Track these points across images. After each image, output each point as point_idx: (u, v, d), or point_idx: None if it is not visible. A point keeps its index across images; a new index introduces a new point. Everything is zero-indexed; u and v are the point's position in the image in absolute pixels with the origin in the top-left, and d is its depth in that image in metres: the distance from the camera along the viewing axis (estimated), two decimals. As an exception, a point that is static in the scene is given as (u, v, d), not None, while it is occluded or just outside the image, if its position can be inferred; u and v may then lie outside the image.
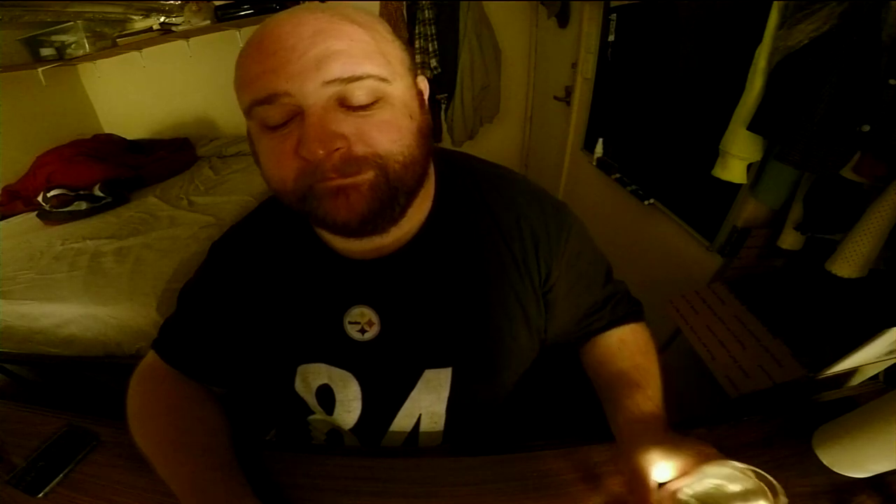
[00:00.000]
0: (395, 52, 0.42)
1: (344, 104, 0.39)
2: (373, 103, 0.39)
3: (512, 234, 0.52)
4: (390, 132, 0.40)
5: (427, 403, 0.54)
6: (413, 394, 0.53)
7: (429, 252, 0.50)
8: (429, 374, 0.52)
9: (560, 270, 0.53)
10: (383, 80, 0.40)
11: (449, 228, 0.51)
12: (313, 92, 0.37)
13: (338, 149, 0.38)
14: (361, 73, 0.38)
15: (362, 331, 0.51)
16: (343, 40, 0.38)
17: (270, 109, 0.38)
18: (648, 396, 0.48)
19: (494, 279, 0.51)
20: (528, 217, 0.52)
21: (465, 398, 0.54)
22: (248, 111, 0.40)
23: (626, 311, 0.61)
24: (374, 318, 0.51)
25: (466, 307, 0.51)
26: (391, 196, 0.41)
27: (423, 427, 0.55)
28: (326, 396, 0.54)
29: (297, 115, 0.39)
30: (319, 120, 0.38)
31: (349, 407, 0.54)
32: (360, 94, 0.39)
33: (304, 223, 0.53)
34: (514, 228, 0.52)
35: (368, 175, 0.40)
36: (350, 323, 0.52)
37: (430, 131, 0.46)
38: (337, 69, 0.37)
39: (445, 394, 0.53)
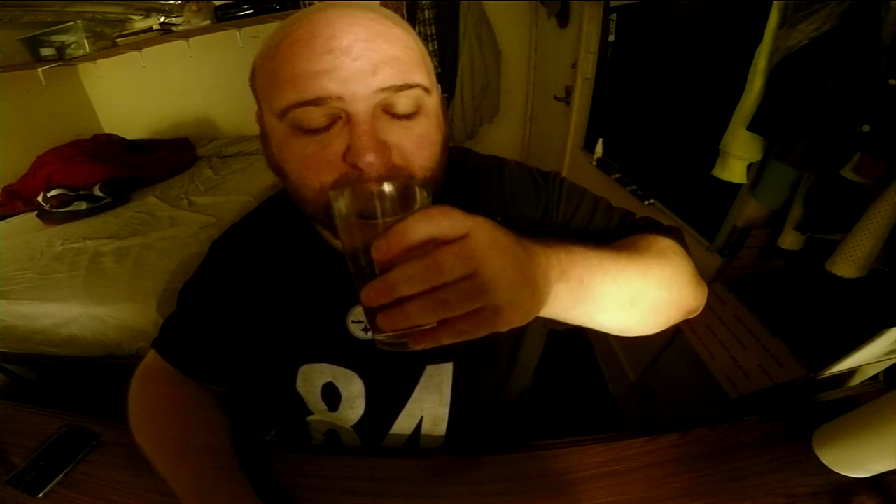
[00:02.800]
0: (429, 59, 0.42)
1: (388, 111, 0.38)
2: (413, 114, 0.39)
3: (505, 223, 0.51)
4: (425, 148, 0.41)
5: (430, 405, 0.54)
6: (415, 393, 0.53)
7: None
8: (430, 370, 0.52)
9: (561, 227, 0.52)
10: (426, 90, 0.40)
11: None
12: (365, 98, 0.36)
13: (386, 159, 0.38)
14: (412, 82, 0.38)
15: (366, 329, 0.51)
16: (398, 45, 0.38)
17: (314, 112, 0.37)
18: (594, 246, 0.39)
19: None
20: (516, 204, 0.51)
21: (468, 399, 0.54)
22: (284, 112, 0.38)
23: (647, 223, 0.54)
24: None
25: None
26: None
27: (425, 430, 0.55)
28: (331, 393, 0.54)
29: (339, 119, 0.37)
30: (371, 128, 0.37)
31: (353, 403, 0.54)
32: (405, 102, 0.38)
33: (306, 222, 0.53)
34: (504, 217, 0.51)
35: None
36: (353, 322, 0.51)
37: (448, 140, 0.46)
38: (391, 76, 0.37)
39: (447, 393, 0.53)
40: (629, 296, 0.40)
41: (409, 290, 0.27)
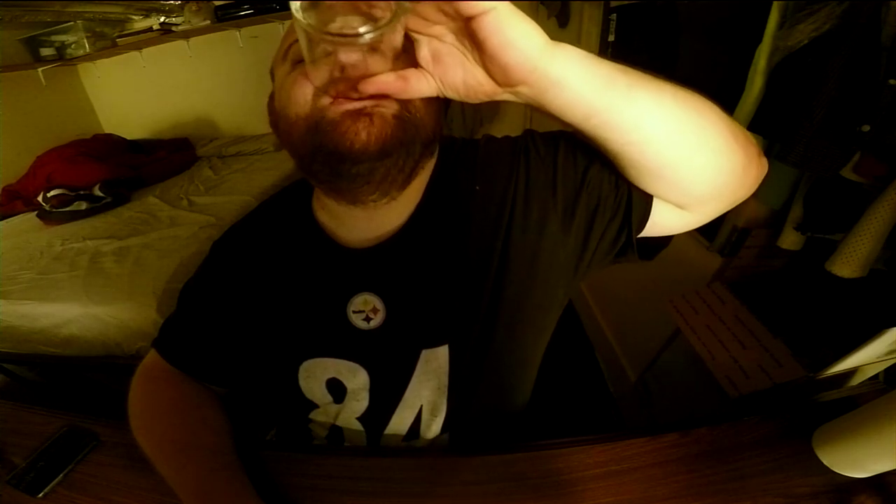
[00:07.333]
0: None
1: None
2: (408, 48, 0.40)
3: (502, 197, 0.50)
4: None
5: (428, 392, 0.53)
6: (414, 381, 0.53)
7: (425, 233, 0.51)
8: (427, 355, 0.52)
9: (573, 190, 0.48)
10: None
11: (441, 207, 0.51)
12: None
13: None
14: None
15: (367, 319, 0.51)
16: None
17: None
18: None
19: (490, 251, 0.50)
20: (511, 176, 0.50)
21: (466, 390, 0.54)
22: (286, 52, 0.42)
23: None
24: (379, 304, 0.51)
25: (465, 282, 0.51)
26: (412, 136, 0.40)
27: (424, 422, 0.55)
28: (336, 387, 0.54)
29: None
30: None
31: (359, 395, 0.54)
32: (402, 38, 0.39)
33: (306, 217, 0.53)
34: (499, 192, 0.50)
35: (394, 105, 0.39)
36: (354, 312, 0.51)
37: (443, 107, 0.46)
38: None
39: (446, 381, 0.53)
40: (667, 86, 0.40)
41: None
